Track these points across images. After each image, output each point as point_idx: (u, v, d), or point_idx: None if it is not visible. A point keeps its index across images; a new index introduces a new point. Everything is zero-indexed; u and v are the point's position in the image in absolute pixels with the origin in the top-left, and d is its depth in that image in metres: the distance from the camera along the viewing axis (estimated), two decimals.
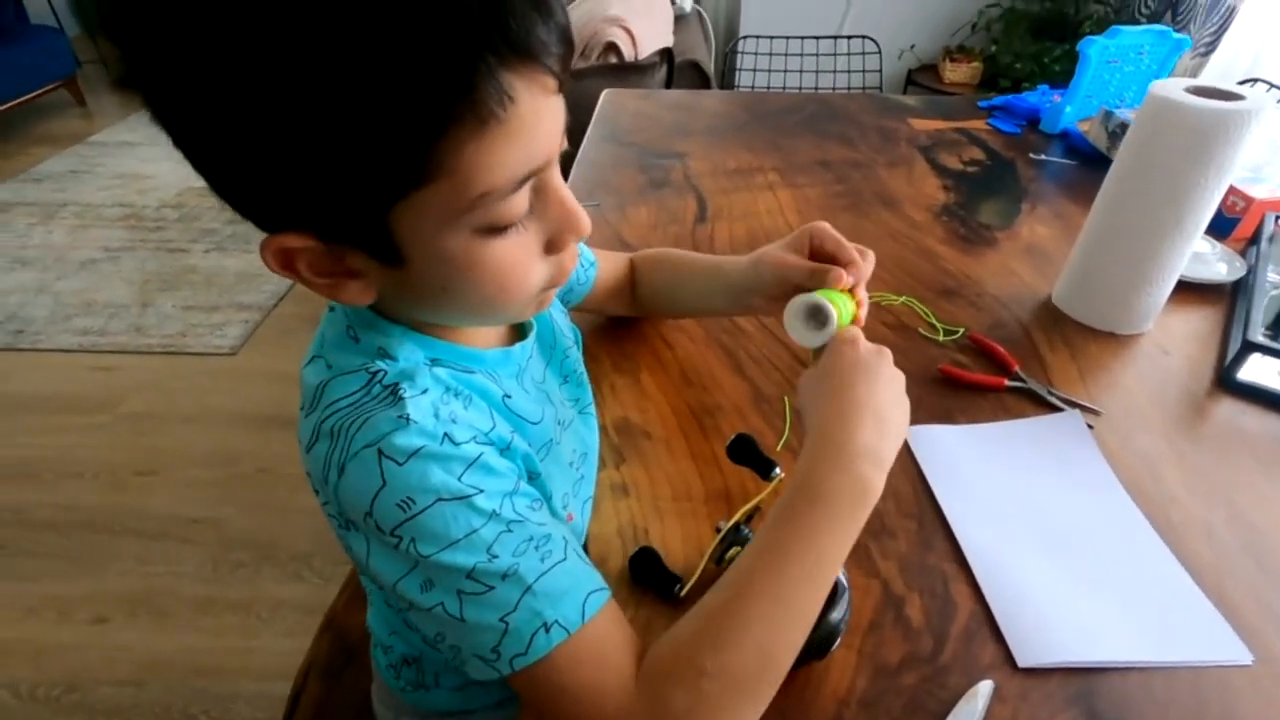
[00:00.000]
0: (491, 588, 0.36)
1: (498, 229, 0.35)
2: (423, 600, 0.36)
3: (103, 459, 1.67)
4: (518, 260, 0.37)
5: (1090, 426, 0.64)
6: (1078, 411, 0.65)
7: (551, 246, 0.38)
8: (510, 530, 0.37)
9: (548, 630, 0.37)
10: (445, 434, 0.37)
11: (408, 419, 0.36)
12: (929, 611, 0.49)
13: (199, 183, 0.33)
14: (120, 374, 1.93)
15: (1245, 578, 0.51)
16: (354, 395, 0.38)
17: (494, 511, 0.37)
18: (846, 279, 0.53)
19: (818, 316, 0.50)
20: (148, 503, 1.57)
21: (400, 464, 0.35)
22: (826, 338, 0.49)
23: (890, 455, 0.43)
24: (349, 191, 0.31)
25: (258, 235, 0.35)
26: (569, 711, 0.38)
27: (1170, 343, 0.76)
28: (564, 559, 0.39)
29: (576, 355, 0.59)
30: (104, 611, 1.35)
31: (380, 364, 0.39)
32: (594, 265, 0.68)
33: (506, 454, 0.42)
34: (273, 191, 0.33)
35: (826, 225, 0.56)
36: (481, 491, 0.37)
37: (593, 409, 0.59)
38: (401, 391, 0.37)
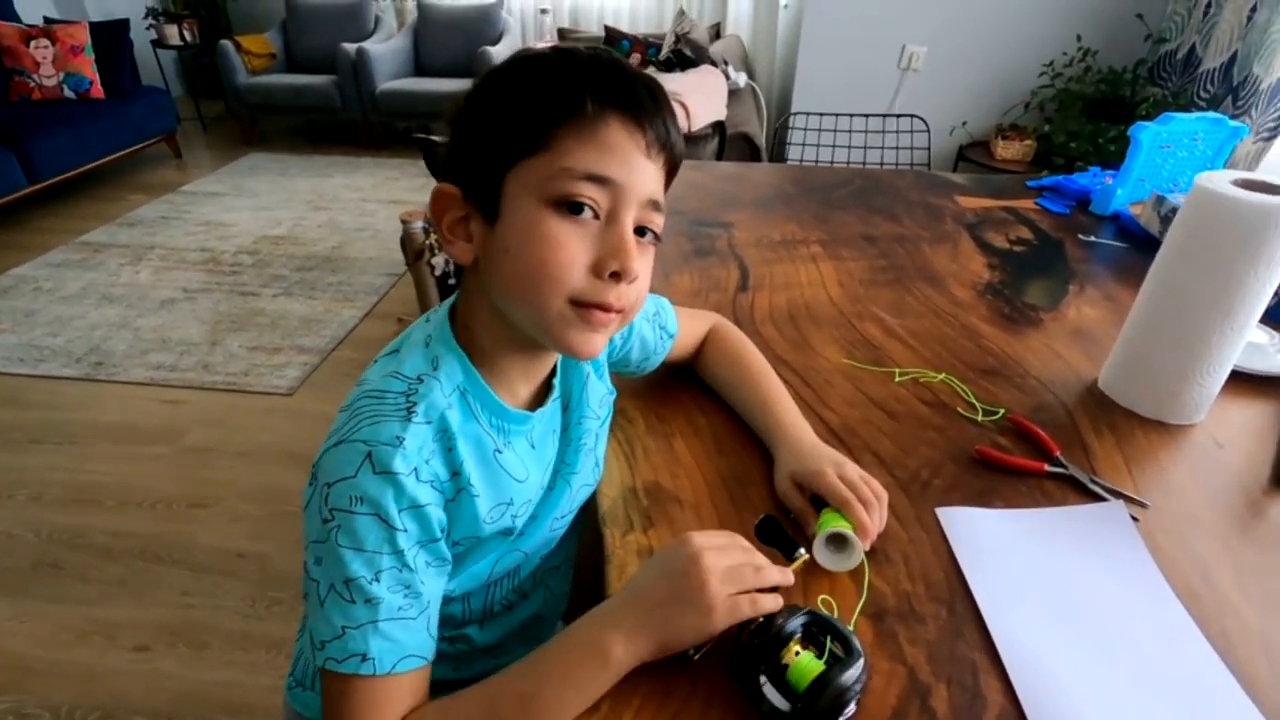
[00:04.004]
0: (353, 601, 0.44)
1: (563, 209, 0.45)
2: (312, 569, 0.46)
3: (160, 489, 1.75)
4: (565, 244, 0.46)
5: (1135, 519, 0.62)
6: (1122, 503, 0.63)
7: (599, 267, 0.47)
8: (400, 571, 0.45)
9: (363, 660, 0.44)
10: (415, 468, 0.46)
11: (402, 441, 0.45)
12: (956, 705, 0.47)
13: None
14: (185, 408, 2.04)
15: None
16: (388, 395, 0.47)
17: (401, 550, 0.45)
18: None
19: (838, 542, 0.57)
20: (197, 534, 1.63)
21: (374, 473, 0.44)
22: (857, 562, 0.56)
23: (645, 645, 0.46)
24: (499, 152, 0.46)
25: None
26: None
27: (1225, 435, 0.73)
28: (415, 619, 0.46)
29: (590, 429, 0.62)
30: (145, 640, 1.39)
31: (425, 383, 0.48)
32: (672, 339, 0.73)
33: (451, 504, 0.49)
34: (461, 153, 0.49)
35: (833, 479, 0.59)
36: (405, 531, 0.45)
37: (572, 479, 0.61)
38: (414, 413, 0.46)
